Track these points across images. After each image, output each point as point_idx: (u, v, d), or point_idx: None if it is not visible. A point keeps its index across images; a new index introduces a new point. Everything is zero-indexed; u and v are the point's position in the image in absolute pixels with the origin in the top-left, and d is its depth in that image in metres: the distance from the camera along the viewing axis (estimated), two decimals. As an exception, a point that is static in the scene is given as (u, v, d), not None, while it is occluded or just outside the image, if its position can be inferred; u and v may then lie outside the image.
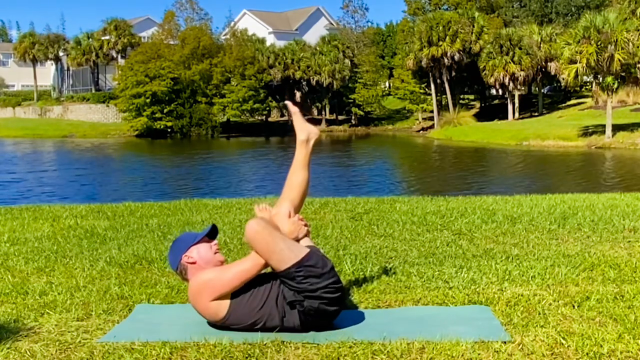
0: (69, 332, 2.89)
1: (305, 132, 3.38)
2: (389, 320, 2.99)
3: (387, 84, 60.06)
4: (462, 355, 2.51)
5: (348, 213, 6.34)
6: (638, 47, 28.79)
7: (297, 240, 3.01)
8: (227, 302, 2.82)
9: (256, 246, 2.80)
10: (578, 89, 44.27)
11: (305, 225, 3.09)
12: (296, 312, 2.80)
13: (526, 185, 18.17)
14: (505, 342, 2.64)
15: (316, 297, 2.78)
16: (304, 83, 54.73)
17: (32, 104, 61.70)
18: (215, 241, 3.03)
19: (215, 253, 2.97)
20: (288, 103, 3.54)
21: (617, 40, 28.62)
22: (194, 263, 2.92)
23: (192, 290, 2.88)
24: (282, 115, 56.40)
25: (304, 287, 2.78)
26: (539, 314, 3.01)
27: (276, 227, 2.95)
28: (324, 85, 52.54)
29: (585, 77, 32.82)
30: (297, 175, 3.29)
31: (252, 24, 64.28)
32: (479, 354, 2.52)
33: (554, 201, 6.92)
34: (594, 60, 28.84)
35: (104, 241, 5.13)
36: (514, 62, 42.32)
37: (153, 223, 5.96)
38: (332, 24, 68.30)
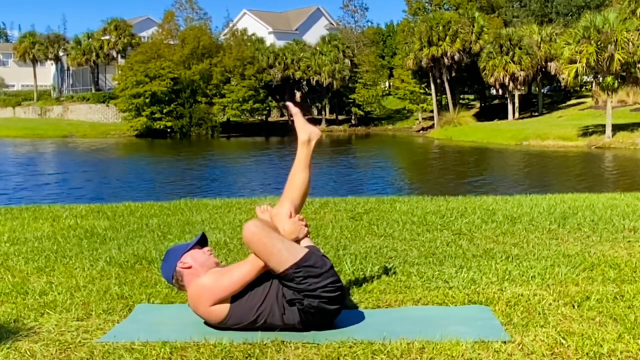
0: (69, 332, 2.89)
1: (306, 132, 3.37)
2: (389, 320, 2.99)
3: (387, 84, 60.05)
4: (462, 355, 2.51)
5: (348, 213, 6.34)
6: (638, 46, 28.79)
7: (298, 241, 3.01)
8: (227, 304, 2.82)
9: (254, 248, 2.80)
10: (578, 88, 44.29)
11: (306, 225, 3.08)
12: (296, 310, 2.80)
13: (526, 185, 18.18)
14: (505, 342, 2.64)
15: (315, 296, 2.78)
16: (304, 83, 54.74)
17: (32, 103, 61.69)
18: (207, 247, 3.03)
19: (209, 255, 2.97)
20: (289, 104, 3.51)
21: (617, 40, 28.61)
22: (189, 267, 2.92)
23: (191, 296, 2.88)
24: (282, 115, 56.40)
25: (303, 287, 2.78)
26: (539, 313, 3.01)
27: (275, 228, 2.95)
28: (324, 85, 52.55)
29: (585, 77, 32.81)
30: (298, 176, 3.29)
31: (252, 24, 64.29)
32: (479, 354, 2.52)
33: (554, 201, 6.93)
34: (594, 60, 28.84)
35: (104, 241, 5.13)
36: (514, 62, 42.32)
37: (153, 223, 5.96)
38: (332, 23, 68.30)
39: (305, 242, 3.06)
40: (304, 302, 2.78)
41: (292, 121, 3.40)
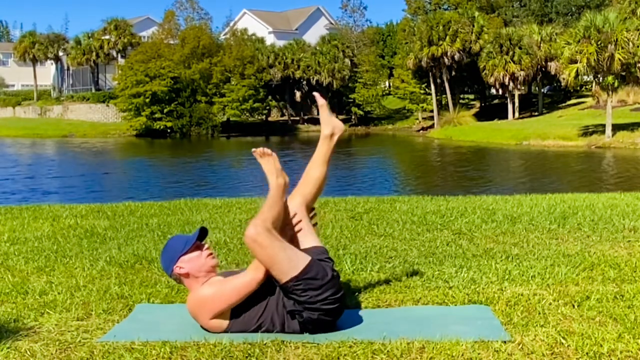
0: (69, 331, 2.89)
1: (330, 126, 3.27)
2: (389, 320, 2.99)
3: (387, 84, 60.02)
4: (462, 355, 2.51)
5: (348, 213, 6.34)
6: (638, 46, 28.78)
7: (299, 229, 3.02)
8: (227, 316, 2.80)
9: (255, 254, 2.76)
10: (578, 88, 44.25)
11: (315, 224, 3.15)
12: (296, 321, 2.79)
13: (526, 185, 18.17)
14: (505, 342, 2.64)
15: (315, 309, 2.76)
16: (304, 82, 54.73)
17: (32, 103, 61.66)
18: (206, 245, 2.97)
19: (207, 257, 2.91)
20: (316, 95, 3.44)
21: (617, 39, 28.60)
22: (186, 274, 2.87)
23: (190, 307, 2.85)
24: (282, 114, 56.42)
25: (303, 300, 2.75)
26: (539, 313, 3.01)
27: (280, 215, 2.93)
28: (324, 84, 52.48)
29: (585, 77, 32.80)
30: (315, 169, 3.20)
31: (252, 24, 64.28)
32: (479, 354, 2.52)
33: (554, 201, 6.92)
34: (594, 59, 28.82)
35: (104, 241, 5.13)
36: (514, 62, 42.28)
37: (153, 223, 5.96)
38: (332, 23, 68.25)
39: (312, 238, 3.03)
40: (303, 314, 2.76)
41: (319, 113, 3.39)
